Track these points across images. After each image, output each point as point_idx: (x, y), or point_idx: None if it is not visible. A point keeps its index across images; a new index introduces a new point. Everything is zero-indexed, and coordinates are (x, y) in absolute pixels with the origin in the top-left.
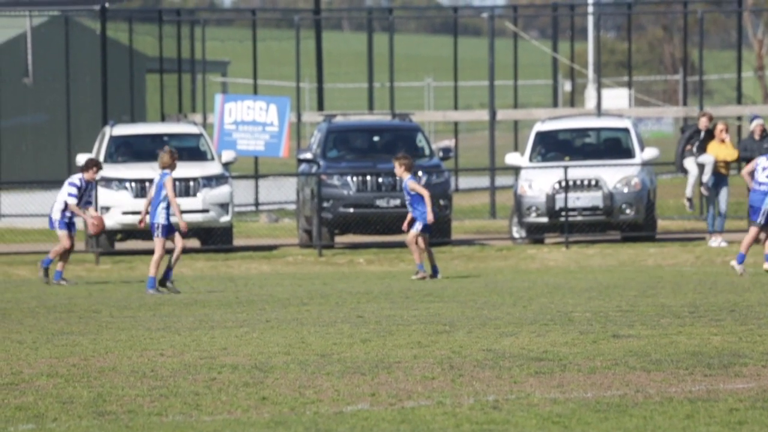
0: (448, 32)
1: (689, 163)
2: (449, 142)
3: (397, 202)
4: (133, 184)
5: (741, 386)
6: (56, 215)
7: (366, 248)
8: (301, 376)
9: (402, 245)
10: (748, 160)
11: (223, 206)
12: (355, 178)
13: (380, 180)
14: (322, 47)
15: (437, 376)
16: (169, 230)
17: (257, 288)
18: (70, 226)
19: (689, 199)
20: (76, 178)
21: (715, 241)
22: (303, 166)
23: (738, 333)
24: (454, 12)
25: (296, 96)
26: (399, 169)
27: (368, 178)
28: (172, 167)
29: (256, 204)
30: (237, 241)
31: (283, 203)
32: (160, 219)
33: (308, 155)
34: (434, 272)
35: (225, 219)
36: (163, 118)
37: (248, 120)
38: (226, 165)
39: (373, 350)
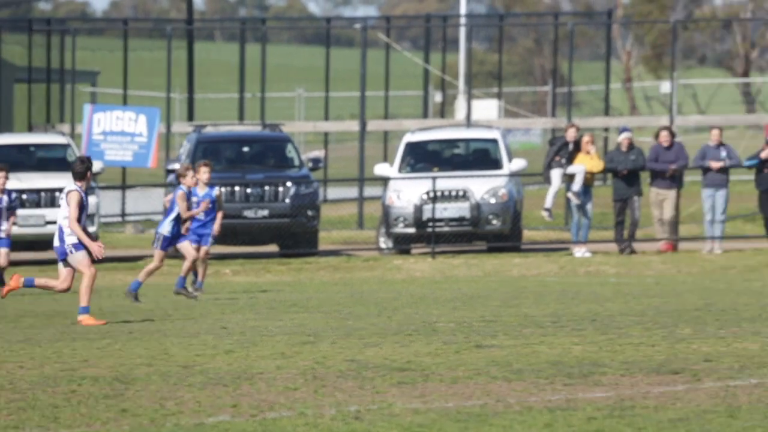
0: (321, 43)
1: (555, 174)
2: (319, 153)
3: (266, 212)
4: None
5: (600, 395)
6: None
7: (233, 259)
8: (163, 387)
9: (270, 256)
10: (614, 172)
11: (90, 217)
12: (223, 189)
13: (249, 191)
14: (194, 57)
15: (300, 387)
16: (170, 243)
17: (121, 299)
18: None
19: (548, 209)
20: None
21: (579, 252)
22: (171, 177)
23: (598, 342)
24: (326, 23)
25: (166, 106)
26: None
27: (236, 188)
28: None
29: (123, 214)
30: None
31: (151, 214)
32: (164, 230)
33: (177, 166)
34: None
35: (91, 230)
36: (30, 129)
37: (117, 130)
38: (93, 175)
39: (236, 361)
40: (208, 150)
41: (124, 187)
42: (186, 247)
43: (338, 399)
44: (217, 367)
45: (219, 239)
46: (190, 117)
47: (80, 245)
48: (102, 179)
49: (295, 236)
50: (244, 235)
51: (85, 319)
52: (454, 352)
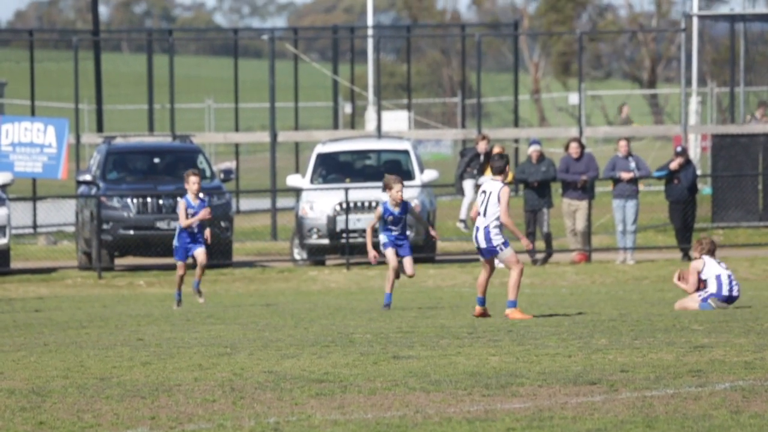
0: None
1: (467, 185)
2: (230, 164)
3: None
4: None
5: (518, 406)
6: None
7: (146, 270)
8: (80, 400)
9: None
10: (525, 183)
11: (0, 229)
12: (135, 200)
13: (161, 202)
14: (102, 68)
15: (218, 399)
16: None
17: (35, 311)
18: None
19: (463, 221)
20: None
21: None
22: (82, 188)
23: (515, 353)
24: (234, 34)
25: (75, 117)
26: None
27: (149, 200)
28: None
29: (35, 226)
30: (15, 264)
31: (62, 225)
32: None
33: (87, 177)
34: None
35: (2, 241)
36: None
37: (26, 141)
38: (2, 187)
39: (153, 373)
40: (118, 161)
41: (35, 198)
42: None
43: (257, 411)
44: (134, 379)
45: (132, 251)
46: (100, 128)
47: None
48: (12, 191)
49: (209, 248)
50: (158, 246)
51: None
52: (371, 363)
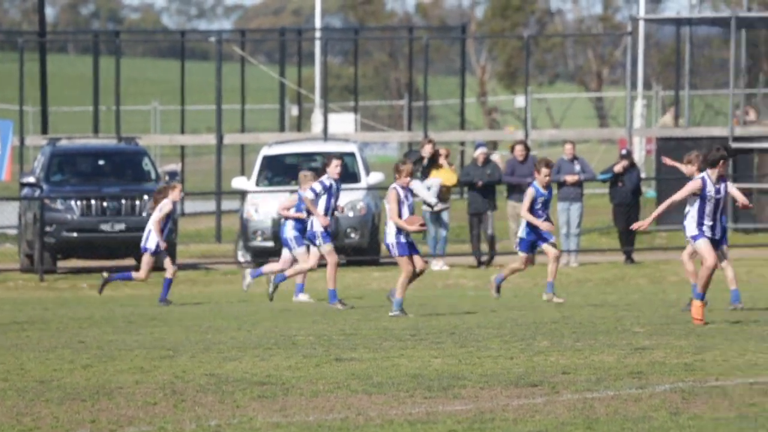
0: (176, 56)
1: (415, 185)
2: (175, 166)
3: (122, 226)
4: None
5: (460, 408)
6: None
7: (89, 273)
8: (19, 403)
9: (126, 270)
10: (470, 185)
11: None
12: (79, 203)
13: (105, 204)
14: (47, 70)
15: (159, 402)
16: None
17: None
18: None
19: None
20: None
21: (437, 265)
22: (26, 190)
23: (458, 355)
24: (181, 36)
25: (20, 119)
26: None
27: (93, 202)
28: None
29: None
30: None
31: (4, 227)
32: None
33: (31, 179)
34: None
35: None
36: None
37: None
38: None
39: (94, 376)
40: (63, 163)
41: None
42: None
43: (198, 413)
44: (74, 382)
45: (75, 253)
46: (44, 130)
47: None
48: None
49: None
50: (101, 248)
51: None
52: (314, 366)
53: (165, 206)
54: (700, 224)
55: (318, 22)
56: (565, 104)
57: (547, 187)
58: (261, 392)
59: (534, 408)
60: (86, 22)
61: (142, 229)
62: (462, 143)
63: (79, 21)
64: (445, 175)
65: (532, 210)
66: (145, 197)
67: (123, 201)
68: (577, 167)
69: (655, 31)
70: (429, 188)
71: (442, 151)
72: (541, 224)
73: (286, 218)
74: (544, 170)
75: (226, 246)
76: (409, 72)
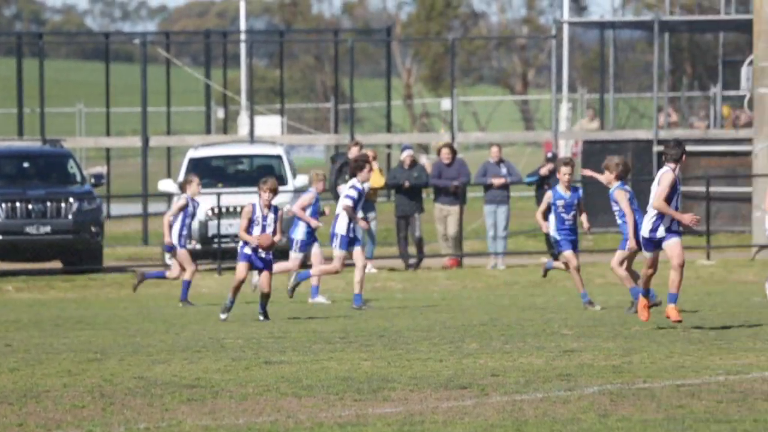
0: (100, 58)
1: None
2: (101, 169)
3: (48, 229)
4: None
5: (389, 410)
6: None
7: (15, 276)
8: None
9: (53, 272)
10: (397, 188)
11: None
12: (3, 205)
13: (30, 207)
14: None
15: (87, 405)
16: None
17: None
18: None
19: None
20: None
21: (366, 268)
22: None
23: (387, 358)
24: (105, 38)
25: None
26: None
27: (18, 204)
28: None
29: None
30: None
31: None
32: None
33: None
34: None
35: None
36: None
37: None
38: None
39: (21, 379)
40: None
41: None
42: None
43: (127, 417)
44: (1, 386)
45: (1, 255)
46: None
47: None
48: None
49: (79, 252)
50: (27, 251)
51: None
52: (243, 369)
53: (179, 201)
54: (655, 228)
55: (243, 25)
56: (491, 107)
57: (570, 187)
58: (190, 395)
59: (463, 410)
60: (9, 24)
61: (68, 231)
62: (388, 146)
63: (2, 23)
64: (373, 178)
65: (552, 214)
66: (71, 200)
67: (48, 203)
68: (504, 170)
69: (579, 34)
70: None
71: (370, 153)
72: (542, 224)
73: (300, 219)
74: (563, 169)
75: (153, 249)
76: (335, 74)
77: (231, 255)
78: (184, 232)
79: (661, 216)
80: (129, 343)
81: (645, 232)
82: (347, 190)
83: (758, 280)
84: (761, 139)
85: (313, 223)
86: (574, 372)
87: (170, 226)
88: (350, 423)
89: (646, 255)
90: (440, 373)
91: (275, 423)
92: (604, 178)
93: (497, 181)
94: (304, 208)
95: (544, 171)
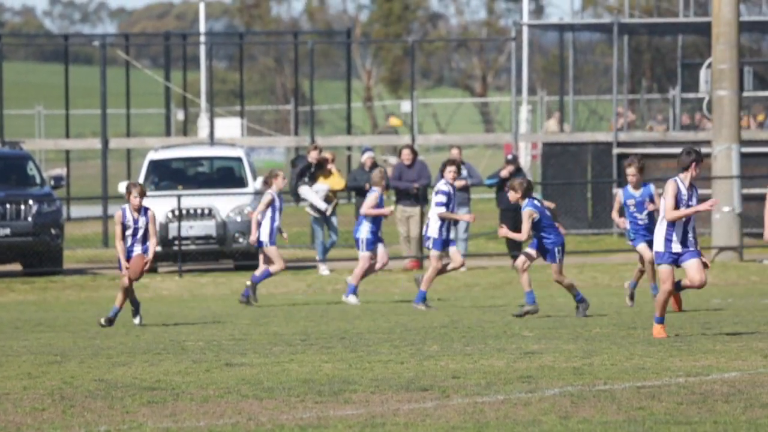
0: (59, 60)
1: (304, 190)
2: (61, 171)
3: (7, 231)
4: None
5: (350, 412)
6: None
7: None
8: None
9: (13, 275)
10: (357, 190)
11: None
12: None
13: None
14: None
15: (48, 408)
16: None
17: None
18: None
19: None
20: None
21: (326, 270)
22: None
23: (348, 360)
24: (64, 40)
25: None
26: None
27: None
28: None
29: None
30: None
31: None
32: (363, 234)
33: None
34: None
35: None
36: None
37: None
38: None
39: None
40: None
41: None
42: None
43: (87, 419)
44: None
45: None
46: None
47: None
48: None
49: (39, 255)
50: None
51: None
52: (204, 371)
53: (265, 197)
54: (668, 239)
55: (203, 27)
56: (451, 109)
57: (638, 186)
58: (151, 398)
59: (425, 412)
60: None
61: (28, 234)
62: (349, 148)
63: None
64: (333, 181)
65: (623, 213)
66: (30, 202)
67: (8, 206)
68: (464, 172)
69: (539, 36)
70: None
71: (328, 156)
72: (619, 221)
73: (368, 216)
74: (628, 170)
75: (112, 251)
76: (294, 76)
77: (192, 257)
78: (275, 227)
79: (672, 225)
80: (89, 346)
81: (659, 246)
82: (436, 197)
83: (718, 282)
84: (720, 142)
85: (386, 211)
86: (535, 374)
87: (259, 224)
88: (311, 425)
89: (660, 269)
90: (401, 375)
91: (236, 425)
92: (512, 197)
93: (458, 183)
94: (373, 207)
95: (504, 173)
